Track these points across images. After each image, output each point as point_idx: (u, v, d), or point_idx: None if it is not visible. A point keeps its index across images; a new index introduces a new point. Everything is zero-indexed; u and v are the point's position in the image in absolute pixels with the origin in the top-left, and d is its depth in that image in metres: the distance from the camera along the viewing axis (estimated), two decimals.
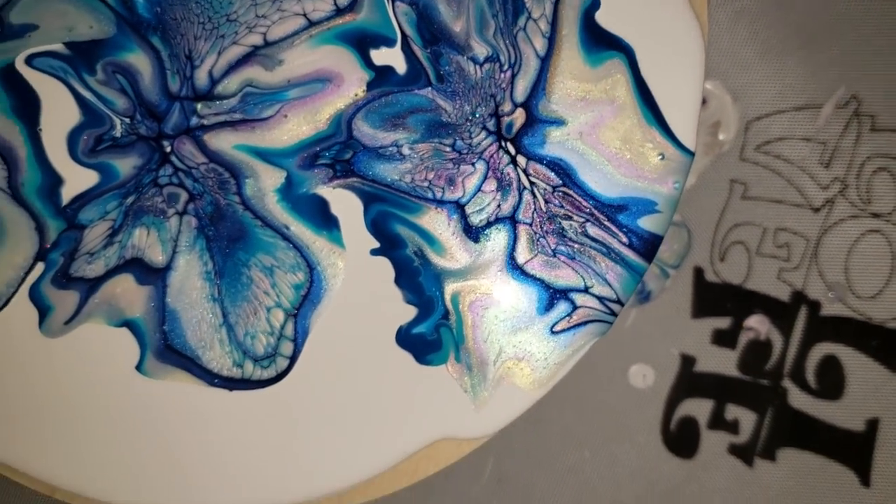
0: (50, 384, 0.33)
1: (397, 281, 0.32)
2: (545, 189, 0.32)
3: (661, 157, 0.31)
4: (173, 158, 0.32)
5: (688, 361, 0.44)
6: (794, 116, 0.44)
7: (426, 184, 0.32)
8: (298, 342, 0.32)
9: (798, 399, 0.44)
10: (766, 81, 0.44)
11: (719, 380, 0.44)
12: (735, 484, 0.44)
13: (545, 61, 0.31)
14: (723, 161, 0.44)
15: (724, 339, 0.44)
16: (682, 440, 0.44)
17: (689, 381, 0.44)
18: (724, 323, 0.44)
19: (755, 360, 0.44)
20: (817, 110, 0.43)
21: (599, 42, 0.31)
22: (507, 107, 0.32)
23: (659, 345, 0.45)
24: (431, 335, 0.32)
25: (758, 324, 0.44)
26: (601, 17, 0.31)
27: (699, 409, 0.44)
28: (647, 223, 0.31)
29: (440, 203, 0.32)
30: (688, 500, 0.44)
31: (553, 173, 0.31)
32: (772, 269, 0.44)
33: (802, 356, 0.44)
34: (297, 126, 0.32)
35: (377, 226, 0.32)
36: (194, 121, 0.32)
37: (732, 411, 0.44)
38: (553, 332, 0.31)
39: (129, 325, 0.32)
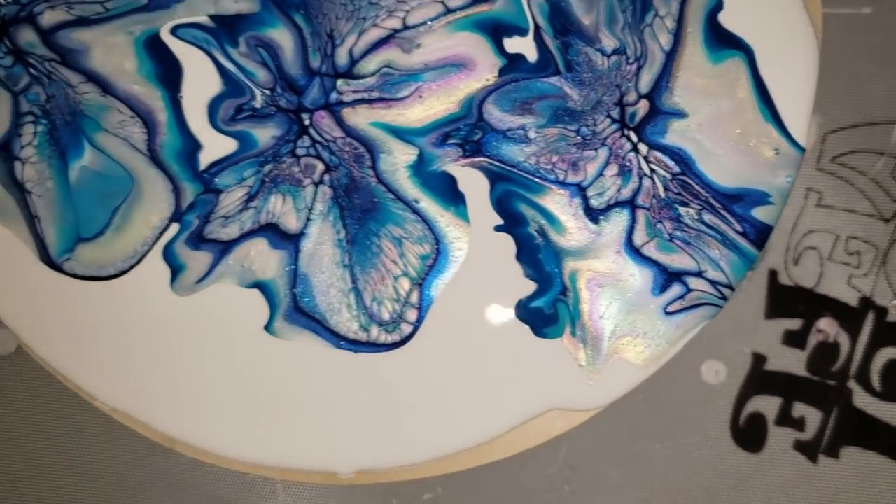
0: (178, 341, 0.34)
1: (518, 257, 0.33)
2: (664, 176, 0.33)
3: (775, 151, 0.33)
4: (311, 131, 0.34)
5: (759, 360, 0.45)
6: (869, 131, 0.45)
7: (550, 166, 0.33)
8: (422, 310, 0.33)
9: (862, 400, 0.45)
10: (845, 96, 0.45)
11: (788, 378, 0.46)
12: (799, 479, 0.46)
13: (670, 56, 0.33)
14: (800, 170, 0.45)
15: (794, 339, 0.46)
16: (750, 435, 0.46)
17: (760, 378, 0.46)
18: (795, 324, 0.46)
19: (823, 361, 0.46)
20: (891, 126, 0.45)
21: (721, 41, 0.33)
22: (631, 97, 0.33)
23: (732, 343, 0.46)
24: (549, 310, 0.33)
25: (827, 326, 0.45)
26: (724, 18, 0.33)
27: (768, 405, 0.46)
28: (760, 213, 0.33)
29: (563, 185, 0.33)
30: (754, 493, 0.45)
31: (672, 161, 0.33)
32: (842, 275, 0.46)
33: (868, 359, 0.45)
34: (430, 107, 0.33)
35: (502, 203, 0.33)
36: (333, 97, 0.34)
37: (799, 409, 0.46)
38: (667, 313, 0.33)
39: (261, 286, 0.33)
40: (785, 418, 0.46)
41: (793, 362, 0.46)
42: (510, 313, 0.33)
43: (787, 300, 0.46)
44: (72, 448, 0.42)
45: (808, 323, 0.46)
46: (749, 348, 0.46)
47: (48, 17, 0.34)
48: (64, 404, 0.42)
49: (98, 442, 0.42)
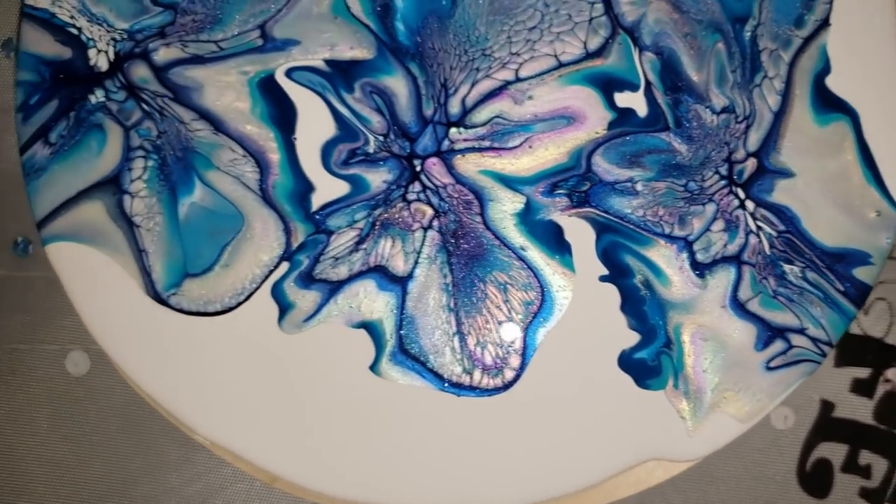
0: (282, 378, 0.34)
1: (623, 307, 0.34)
2: (770, 234, 0.34)
3: (877, 213, 0.33)
4: (423, 177, 0.34)
5: (827, 407, 0.46)
6: None
7: (657, 219, 0.34)
8: (526, 356, 0.33)
9: None
10: None
11: (855, 426, 0.46)
12: None
13: (778, 117, 0.33)
14: None
15: (862, 388, 0.46)
16: (816, 480, 0.46)
17: (827, 425, 0.46)
18: (863, 373, 0.46)
19: (890, 410, 0.46)
20: None
21: (828, 104, 0.33)
22: (739, 155, 0.34)
23: (801, 389, 0.46)
24: (652, 361, 0.33)
25: (895, 376, 0.46)
26: (830, 81, 0.33)
27: (834, 452, 0.46)
28: (860, 273, 0.33)
29: (670, 238, 0.34)
30: None
31: (778, 219, 0.33)
32: None
33: None
34: (539, 157, 0.34)
35: (607, 254, 0.34)
36: (445, 144, 0.34)
37: (866, 457, 0.46)
38: (769, 368, 0.33)
39: (367, 327, 0.34)
40: (851, 465, 0.46)
41: (860, 410, 0.47)
42: (613, 363, 0.33)
43: (856, 349, 0.47)
44: (142, 470, 0.42)
45: (877, 372, 0.47)
46: (818, 395, 0.47)
47: (162, 54, 0.34)
48: (134, 426, 0.42)
49: (169, 467, 0.42)
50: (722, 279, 0.33)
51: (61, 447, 0.43)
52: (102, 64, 0.34)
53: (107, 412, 0.42)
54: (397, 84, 0.33)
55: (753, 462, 0.46)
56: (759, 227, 0.33)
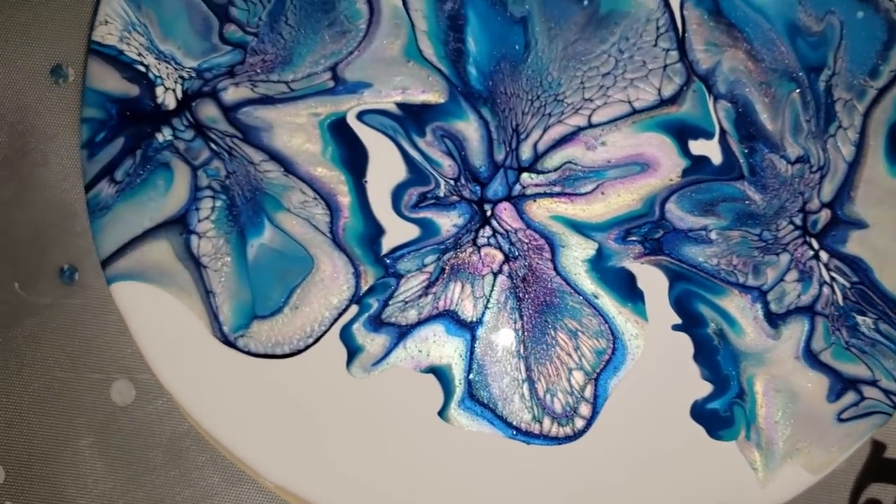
0: (350, 422, 0.34)
1: (696, 357, 0.33)
2: (843, 284, 0.33)
3: None
4: (493, 222, 0.34)
5: (878, 447, 0.46)
6: None
7: (731, 268, 0.33)
8: (597, 405, 0.33)
9: None
10: None
11: None
12: None
13: (852, 167, 0.33)
14: None
15: None
16: None
17: (878, 466, 0.46)
18: None
19: None
20: None
21: None
22: (814, 205, 0.33)
23: None
24: (725, 412, 0.33)
25: None
26: None
27: (885, 493, 0.46)
28: None
29: (743, 288, 0.33)
30: None
31: (851, 270, 0.33)
32: None
33: None
34: (612, 203, 0.34)
35: (680, 303, 0.33)
36: (516, 189, 0.34)
37: None
38: (840, 420, 0.33)
39: (436, 371, 0.33)
40: None
41: None
42: (685, 413, 0.33)
43: None
44: (187, 501, 0.42)
45: None
46: (869, 436, 0.46)
47: (231, 94, 0.34)
48: (179, 457, 0.42)
49: (214, 498, 0.42)
50: (795, 330, 0.33)
51: (104, 477, 0.42)
52: (170, 102, 0.34)
53: (152, 442, 0.42)
54: (469, 128, 0.33)
55: (804, 501, 0.46)
56: (832, 278, 0.33)
